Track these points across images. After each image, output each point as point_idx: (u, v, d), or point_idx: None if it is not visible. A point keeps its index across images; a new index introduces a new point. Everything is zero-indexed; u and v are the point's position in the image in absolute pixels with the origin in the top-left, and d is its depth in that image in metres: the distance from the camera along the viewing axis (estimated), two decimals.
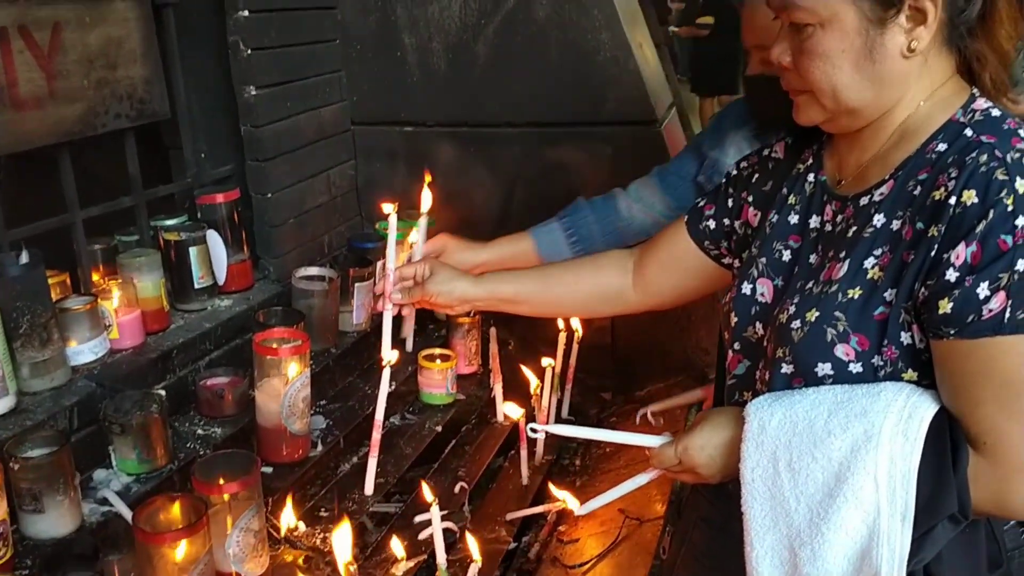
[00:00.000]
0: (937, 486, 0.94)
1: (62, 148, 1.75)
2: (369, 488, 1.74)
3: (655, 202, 1.81)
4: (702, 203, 1.35)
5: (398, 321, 1.54)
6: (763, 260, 1.19)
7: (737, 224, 1.30)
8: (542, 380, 1.96)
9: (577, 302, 1.49)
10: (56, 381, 1.59)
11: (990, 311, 0.92)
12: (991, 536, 1.07)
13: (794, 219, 1.17)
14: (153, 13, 1.91)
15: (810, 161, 1.19)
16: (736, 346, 1.21)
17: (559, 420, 2.27)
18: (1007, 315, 0.92)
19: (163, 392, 1.64)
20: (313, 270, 2.12)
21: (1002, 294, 0.91)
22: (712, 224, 1.33)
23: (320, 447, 1.81)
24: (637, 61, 2.29)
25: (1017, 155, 0.95)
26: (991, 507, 0.97)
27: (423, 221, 1.58)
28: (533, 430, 1.36)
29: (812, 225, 1.15)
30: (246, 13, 2.02)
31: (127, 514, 1.43)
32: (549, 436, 2.15)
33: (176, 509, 1.35)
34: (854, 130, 1.10)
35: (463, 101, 2.45)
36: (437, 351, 2.18)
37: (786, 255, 1.17)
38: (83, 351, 1.68)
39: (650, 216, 1.81)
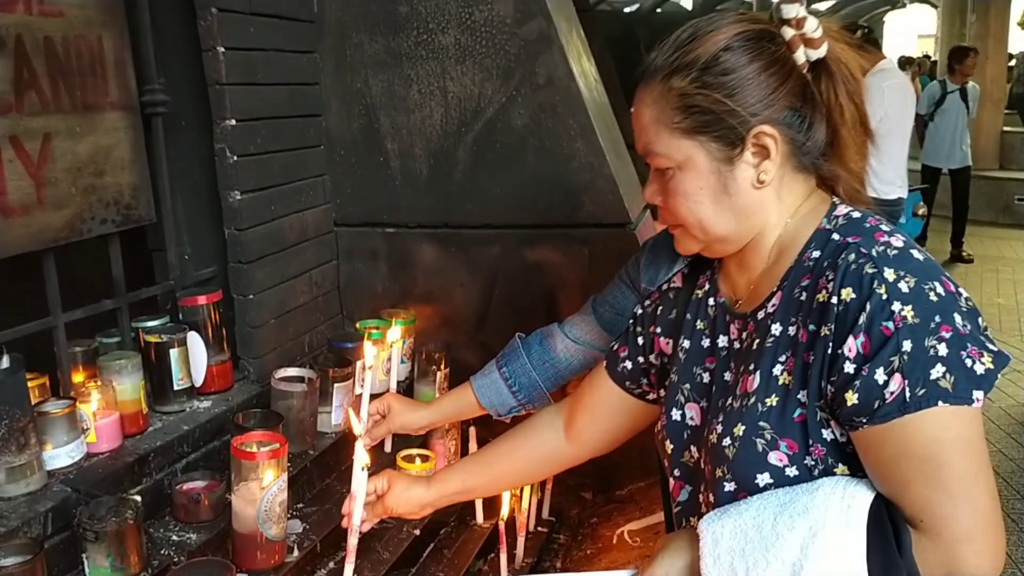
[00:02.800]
0: (887, 572, 0.96)
1: (47, 252, 1.77)
2: None
3: (594, 339, 1.81)
4: (615, 346, 1.40)
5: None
6: (687, 386, 1.23)
7: (652, 357, 1.34)
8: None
9: (520, 473, 1.54)
10: (31, 486, 1.58)
11: (891, 393, 0.96)
12: None
13: (705, 343, 1.23)
14: (142, 122, 1.97)
15: (707, 287, 1.26)
16: (676, 472, 1.24)
17: (539, 521, 2.26)
18: (907, 394, 0.96)
19: (139, 497, 1.62)
20: (292, 371, 2.13)
21: (898, 376, 0.96)
22: (629, 364, 1.37)
23: (296, 552, 1.79)
24: (611, 167, 2.37)
25: (881, 248, 1.02)
26: None
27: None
28: None
29: (721, 344, 1.20)
30: (233, 122, 2.09)
31: None
32: (529, 537, 2.14)
33: None
34: (732, 254, 1.18)
35: (443, 204, 2.52)
36: (416, 451, 2.17)
37: (705, 377, 1.22)
38: (60, 455, 1.67)
39: (591, 354, 1.80)
